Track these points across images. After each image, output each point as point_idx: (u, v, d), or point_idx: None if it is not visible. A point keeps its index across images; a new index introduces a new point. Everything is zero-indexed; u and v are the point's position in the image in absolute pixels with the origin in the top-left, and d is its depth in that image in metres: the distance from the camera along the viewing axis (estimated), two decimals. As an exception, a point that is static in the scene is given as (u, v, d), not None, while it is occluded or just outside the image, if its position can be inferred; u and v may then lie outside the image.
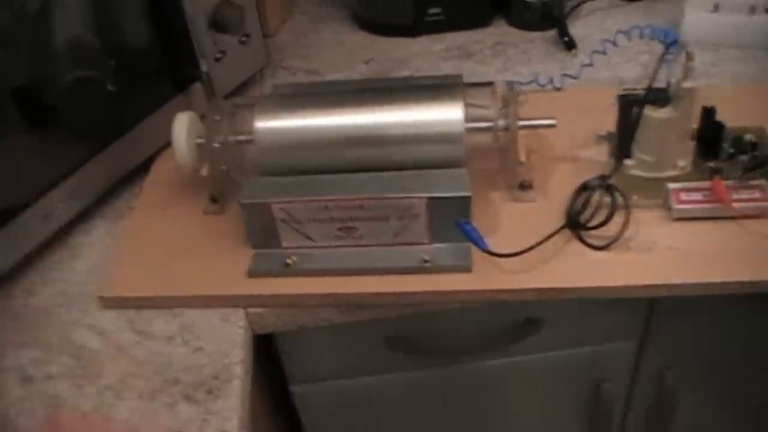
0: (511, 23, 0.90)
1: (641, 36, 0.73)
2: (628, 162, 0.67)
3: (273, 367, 0.76)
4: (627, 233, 0.63)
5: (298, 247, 0.66)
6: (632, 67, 0.82)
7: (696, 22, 0.83)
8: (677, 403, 0.83)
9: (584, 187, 0.65)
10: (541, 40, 0.87)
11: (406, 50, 0.88)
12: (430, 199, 0.62)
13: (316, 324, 0.66)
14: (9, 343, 0.63)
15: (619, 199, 0.63)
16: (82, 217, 0.72)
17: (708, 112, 0.67)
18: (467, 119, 0.64)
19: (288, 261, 0.65)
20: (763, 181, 0.65)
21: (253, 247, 0.66)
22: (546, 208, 0.67)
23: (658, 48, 0.83)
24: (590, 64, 0.77)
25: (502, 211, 0.67)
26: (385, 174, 0.64)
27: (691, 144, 0.66)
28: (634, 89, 0.65)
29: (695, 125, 0.67)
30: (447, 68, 0.85)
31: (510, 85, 0.66)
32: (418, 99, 0.66)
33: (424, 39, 0.90)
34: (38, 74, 0.65)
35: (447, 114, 0.64)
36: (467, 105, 0.65)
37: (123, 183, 0.75)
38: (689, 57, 0.62)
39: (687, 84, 0.63)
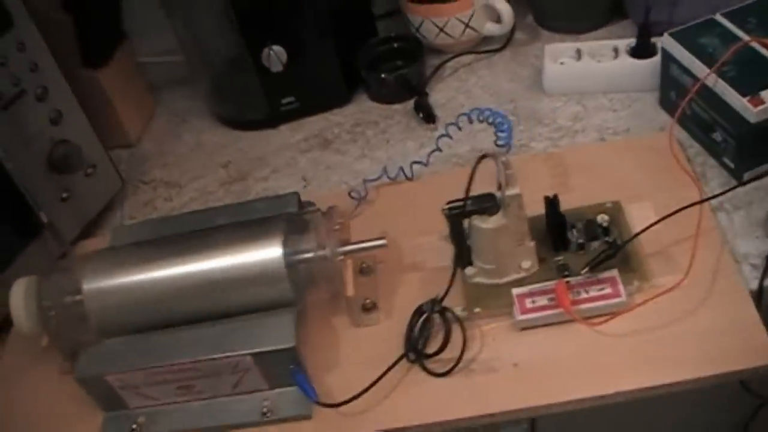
0: (372, 98, 0.85)
1: (480, 119, 0.69)
2: (469, 271, 0.63)
3: None
4: (472, 352, 0.60)
5: (146, 407, 0.64)
6: (490, 135, 0.77)
7: (558, 72, 0.78)
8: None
9: (419, 311, 0.61)
10: (401, 113, 0.83)
11: (265, 146, 0.84)
12: (255, 354, 0.59)
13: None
14: None
15: (454, 321, 0.60)
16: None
17: (551, 203, 0.63)
18: (290, 254, 0.61)
19: (134, 426, 0.63)
20: (615, 272, 0.61)
21: (104, 410, 0.64)
22: (390, 332, 0.62)
23: (519, 108, 0.79)
24: (439, 150, 0.73)
25: (343, 339, 0.64)
26: (213, 330, 0.61)
27: (532, 245, 0.62)
28: (459, 201, 0.60)
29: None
30: (304, 162, 0.80)
31: (329, 210, 0.63)
32: (238, 240, 0.62)
33: (284, 129, 0.85)
34: None
35: (266, 253, 0.61)
36: (290, 238, 0.61)
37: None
38: (507, 165, 0.58)
39: (511, 191, 0.58)
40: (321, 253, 0.60)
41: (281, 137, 0.85)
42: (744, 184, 0.67)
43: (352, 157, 0.80)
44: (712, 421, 0.76)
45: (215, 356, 0.59)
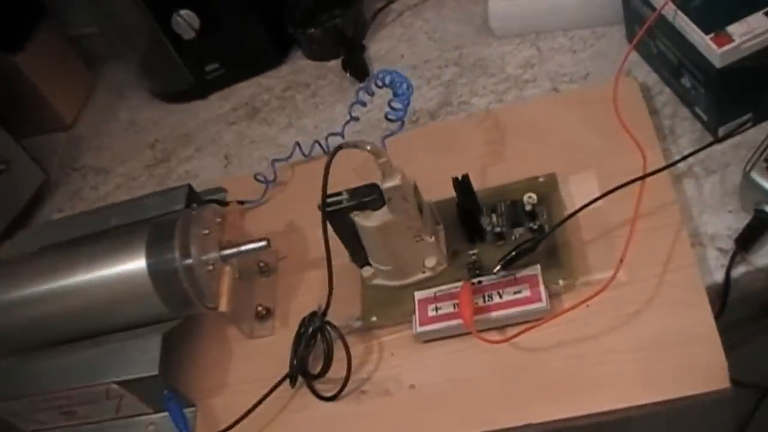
0: (306, 56, 0.74)
1: (381, 85, 0.57)
2: (366, 272, 0.53)
3: None
4: (367, 370, 0.51)
5: (41, 430, 0.59)
6: (430, 90, 0.65)
7: (505, 10, 0.65)
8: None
9: (303, 324, 0.52)
10: (335, 72, 0.71)
11: (193, 120, 0.76)
12: (121, 383, 0.52)
13: None
14: None
15: (336, 338, 0.50)
16: None
17: (460, 185, 0.51)
18: (155, 265, 0.53)
19: (29, 448, 0.59)
20: (537, 269, 0.49)
21: (2, 433, 0.61)
22: (286, 343, 0.53)
23: (464, 56, 0.66)
24: (356, 119, 0.61)
25: (236, 353, 0.56)
26: (86, 354, 0.55)
27: (433, 240, 0.51)
28: (338, 194, 0.50)
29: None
30: (229, 137, 0.71)
31: (200, 209, 0.54)
32: (105, 253, 0.55)
33: (213, 98, 0.76)
34: None
35: (129, 267, 0.53)
36: (160, 246, 0.53)
37: None
38: (378, 154, 0.47)
39: (390, 183, 0.47)
40: (186, 262, 0.52)
41: (210, 109, 0.76)
42: (719, 141, 0.52)
43: (278, 127, 0.70)
44: (708, 419, 0.64)
45: (82, 385, 0.53)
